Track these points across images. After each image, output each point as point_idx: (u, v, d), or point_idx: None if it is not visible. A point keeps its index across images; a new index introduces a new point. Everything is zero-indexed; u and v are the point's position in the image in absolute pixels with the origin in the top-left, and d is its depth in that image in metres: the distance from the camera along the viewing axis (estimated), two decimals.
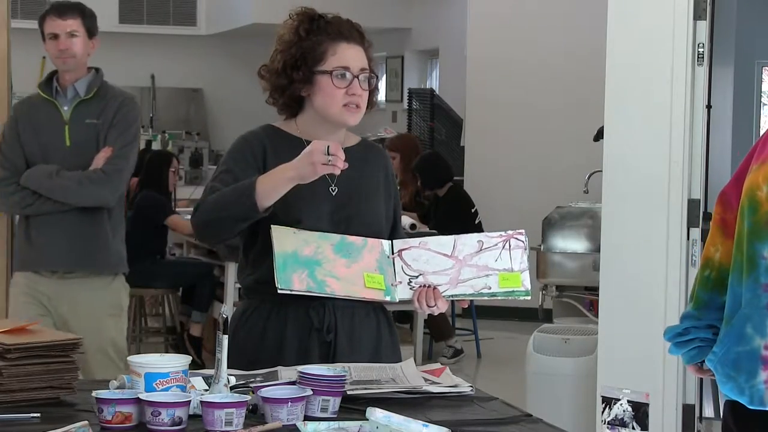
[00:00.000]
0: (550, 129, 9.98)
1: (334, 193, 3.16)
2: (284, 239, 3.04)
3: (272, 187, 2.98)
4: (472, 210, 8.86)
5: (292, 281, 3.02)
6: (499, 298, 3.17)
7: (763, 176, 2.82)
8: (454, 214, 8.71)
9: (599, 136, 6.93)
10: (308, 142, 3.13)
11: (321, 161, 2.92)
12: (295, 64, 3.14)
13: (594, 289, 5.84)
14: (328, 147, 2.92)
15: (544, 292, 6.70)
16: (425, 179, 8.88)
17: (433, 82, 13.89)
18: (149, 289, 8.29)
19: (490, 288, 3.12)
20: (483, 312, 9.22)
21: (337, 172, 2.95)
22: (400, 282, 3.12)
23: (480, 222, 8.80)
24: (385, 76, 14.26)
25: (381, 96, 14.29)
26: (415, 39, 13.81)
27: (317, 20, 3.16)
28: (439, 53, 13.34)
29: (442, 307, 3.12)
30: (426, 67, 14.20)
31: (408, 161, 8.85)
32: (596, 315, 5.85)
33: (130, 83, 16.11)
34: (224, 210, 3.03)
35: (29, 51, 14.67)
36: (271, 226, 3.04)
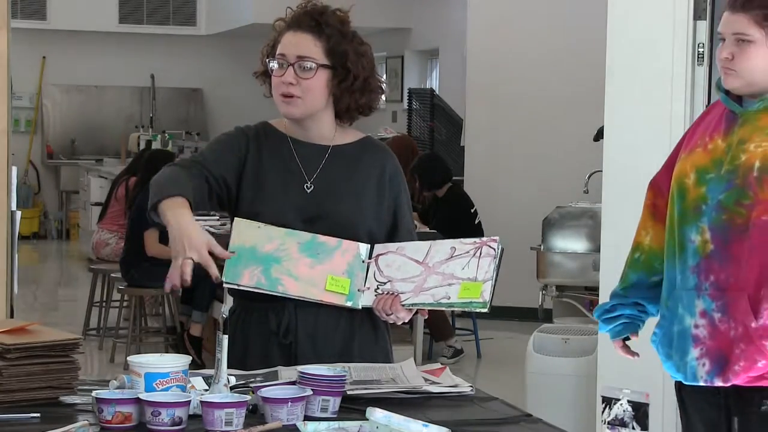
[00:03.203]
0: (550, 129, 9.98)
1: (309, 191, 3.08)
2: (245, 233, 3.00)
3: (165, 218, 2.93)
4: (472, 210, 8.86)
5: (240, 275, 2.98)
6: (456, 308, 3.07)
7: (690, 164, 2.98)
8: (453, 215, 8.71)
9: (599, 136, 6.93)
10: (293, 140, 3.11)
11: (176, 267, 2.84)
12: (265, 57, 3.11)
13: (594, 289, 5.84)
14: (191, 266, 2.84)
15: (544, 292, 6.70)
16: (424, 180, 8.88)
17: (433, 82, 13.89)
18: (149, 289, 8.30)
19: (449, 298, 2.95)
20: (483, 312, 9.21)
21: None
22: (368, 288, 3.02)
23: (480, 222, 8.80)
24: (385, 76, 14.26)
25: (381, 99, 14.26)
26: (415, 39, 13.81)
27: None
28: (439, 53, 13.35)
29: (403, 317, 3.00)
30: (426, 67, 14.21)
31: (404, 163, 8.83)
32: None
33: (130, 83, 16.17)
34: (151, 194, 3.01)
35: (29, 51, 14.74)
36: (235, 218, 3.01)
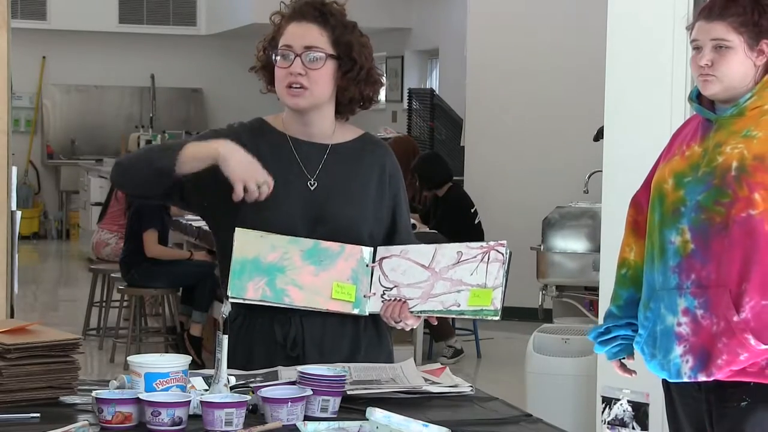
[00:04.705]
0: (550, 129, 9.98)
1: (312, 188, 3.04)
2: (247, 244, 2.94)
3: (195, 154, 2.91)
4: (472, 210, 8.86)
5: (246, 289, 2.92)
6: (467, 317, 3.05)
7: (668, 170, 3.09)
8: (453, 215, 8.71)
9: (599, 136, 6.94)
10: (291, 138, 3.06)
11: (250, 181, 2.86)
12: (265, 51, 3.08)
13: (594, 289, 5.84)
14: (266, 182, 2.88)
15: (544, 292, 6.70)
16: (425, 179, 8.88)
17: (433, 82, 13.89)
18: (149, 289, 8.30)
19: (459, 305, 2.90)
20: None
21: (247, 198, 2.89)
22: (374, 293, 2.98)
23: (480, 222, 8.80)
24: (385, 76, 14.24)
25: (381, 96, 14.29)
26: (415, 39, 13.81)
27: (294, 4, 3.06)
28: (439, 53, 13.35)
29: (412, 324, 2.97)
30: (426, 67, 14.21)
31: (405, 164, 8.83)
32: (596, 315, 5.85)
33: (130, 83, 16.17)
34: (147, 157, 2.99)
35: (29, 51, 14.74)
36: (236, 228, 2.94)
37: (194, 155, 2.92)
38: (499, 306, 2.89)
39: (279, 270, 2.95)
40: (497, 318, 2.89)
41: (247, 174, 2.87)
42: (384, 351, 3.12)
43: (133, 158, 3.05)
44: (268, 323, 3.02)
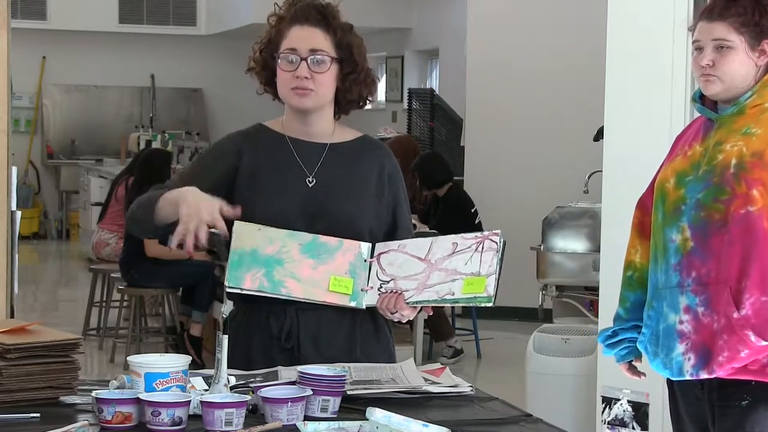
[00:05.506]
0: (550, 129, 9.98)
1: (311, 185, 3.06)
2: (245, 236, 2.97)
3: (167, 206, 2.94)
4: (472, 210, 8.86)
5: (243, 279, 2.96)
6: (461, 304, 3.07)
7: (671, 170, 3.12)
8: (453, 215, 8.70)
9: (599, 136, 6.94)
10: (290, 139, 3.10)
11: (191, 224, 2.82)
12: (262, 52, 3.09)
13: (594, 289, 5.84)
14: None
15: (544, 292, 6.70)
16: (425, 179, 8.88)
17: (433, 82, 13.89)
18: (149, 289, 8.30)
19: (453, 294, 2.93)
20: (483, 312, 9.21)
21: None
22: (371, 287, 3.01)
23: (480, 222, 8.80)
24: (385, 76, 14.27)
25: (381, 96, 14.30)
26: (415, 39, 13.81)
27: (292, 6, 3.08)
28: (439, 53, 13.35)
29: (408, 315, 2.98)
30: (426, 67, 14.21)
31: (406, 164, 8.84)
32: (596, 315, 5.84)
33: (130, 83, 16.17)
34: (142, 210, 3.02)
35: (29, 51, 14.74)
36: (235, 222, 2.96)
37: (167, 207, 2.94)
38: (492, 292, 2.90)
39: (277, 262, 2.98)
40: (491, 304, 2.91)
41: (191, 217, 2.84)
42: (384, 350, 3.14)
43: (133, 212, 3.08)
44: (264, 317, 3.04)
